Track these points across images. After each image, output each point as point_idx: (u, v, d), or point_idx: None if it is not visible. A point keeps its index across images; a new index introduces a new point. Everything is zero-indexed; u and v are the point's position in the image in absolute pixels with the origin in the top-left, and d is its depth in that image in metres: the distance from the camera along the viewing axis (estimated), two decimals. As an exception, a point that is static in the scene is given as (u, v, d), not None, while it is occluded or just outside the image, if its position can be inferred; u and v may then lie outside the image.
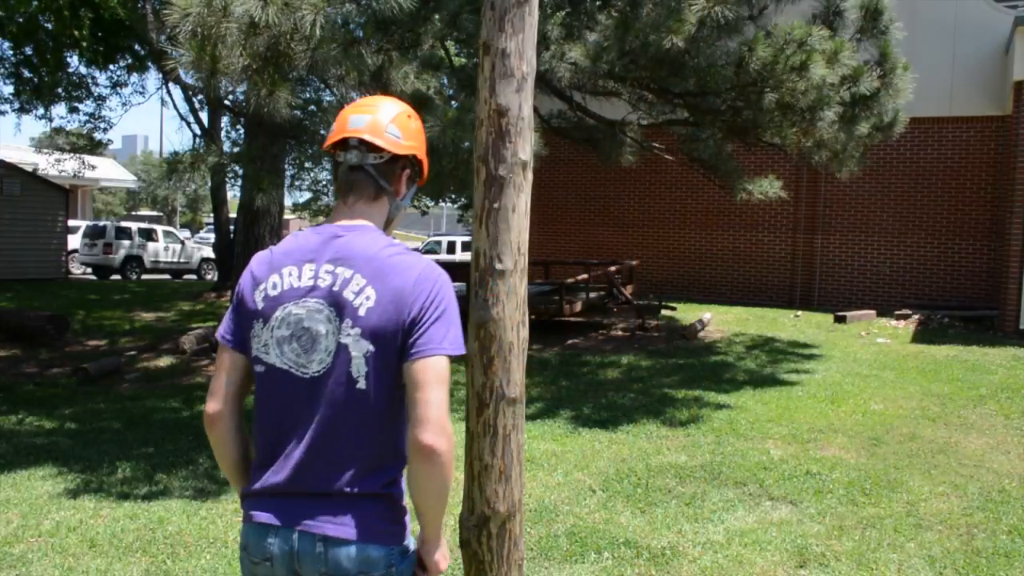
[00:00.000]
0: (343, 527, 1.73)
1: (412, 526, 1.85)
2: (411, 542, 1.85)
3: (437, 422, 1.69)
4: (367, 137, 1.89)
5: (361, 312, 1.74)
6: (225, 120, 17.56)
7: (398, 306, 1.74)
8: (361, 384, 1.73)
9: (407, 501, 1.86)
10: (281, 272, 1.83)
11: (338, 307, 1.76)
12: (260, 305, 1.82)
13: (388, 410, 1.77)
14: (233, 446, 1.89)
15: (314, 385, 1.76)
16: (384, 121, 1.92)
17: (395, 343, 1.74)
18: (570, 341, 10.02)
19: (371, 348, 1.74)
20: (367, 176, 1.91)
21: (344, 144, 1.92)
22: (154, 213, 46.27)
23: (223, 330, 1.89)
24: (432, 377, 1.72)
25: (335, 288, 1.77)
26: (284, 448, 1.78)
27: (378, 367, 1.74)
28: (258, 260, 1.89)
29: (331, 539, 1.72)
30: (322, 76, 6.96)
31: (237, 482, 1.93)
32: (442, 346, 1.74)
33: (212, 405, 1.85)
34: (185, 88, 14.38)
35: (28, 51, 15.18)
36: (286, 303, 1.80)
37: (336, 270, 1.79)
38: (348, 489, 1.75)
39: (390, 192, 1.95)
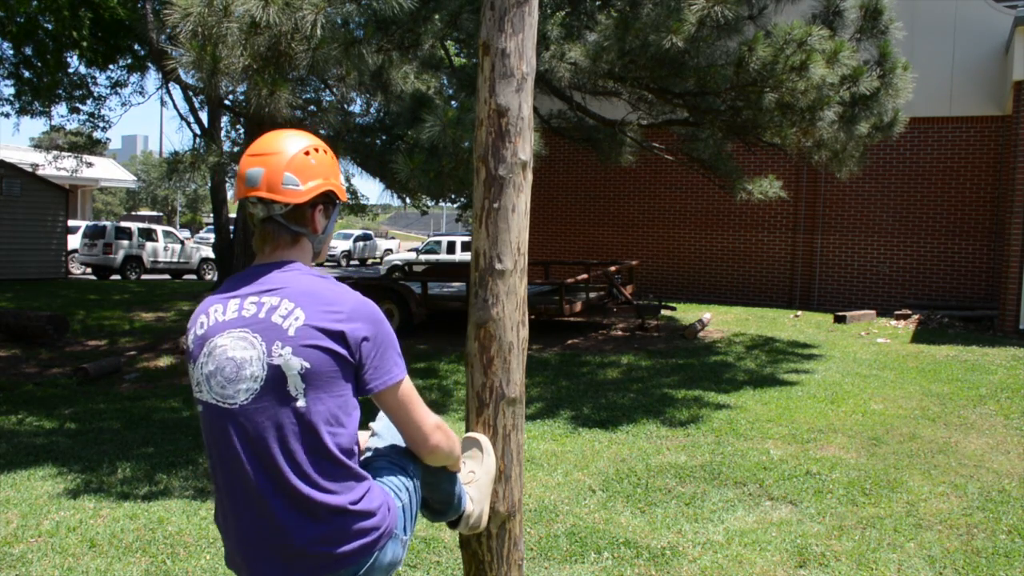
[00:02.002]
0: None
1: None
2: (397, 522, 1.91)
3: (428, 434, 1.92)
4: (264, 195, 1.87)
5: (291, 332, 1.75)
6: (225, 120, 17.54)
7: (332, 327, 1.76)
8: (300, 402, 1.74)
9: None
10: (208, 311, 1.85)
11: (265, 332, 1.77)
12: (192, 348, 1.84)
13: (328, 422, 1.77)
14: None
15: (243, 414, 1.75)
16: (279, 172, 1.88)
17: (335, 361, 1.76)
18: (570, 341, 10.02)
19: (305, 364, 1.74)
20: (279, 226, 1.91)
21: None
22: (154, 213, 46.27)
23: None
24: (404, 401, 1.87)
25: (260, 316, 1.79)
26: (231, 492, 1.80)
27: (316, 383, 1.75)
28: (193, 314, 1.92)
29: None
30: (322, 76, 6.97)
31: None
32: (394, 372, 1.84)
33: None
34: (185, 88, 14.37)
35: (28, 51, 15.18)
36: (212, 337, 1.81)
37: (261, 299, 1.81)
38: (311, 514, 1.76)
39: (307, 233, 1.94)
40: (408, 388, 1.88)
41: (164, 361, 9.17)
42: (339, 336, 1.76)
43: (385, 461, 2.00)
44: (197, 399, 1.83)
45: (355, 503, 1.78)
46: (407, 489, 1.97)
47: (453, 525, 2.31)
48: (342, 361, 1.77)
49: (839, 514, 4.27)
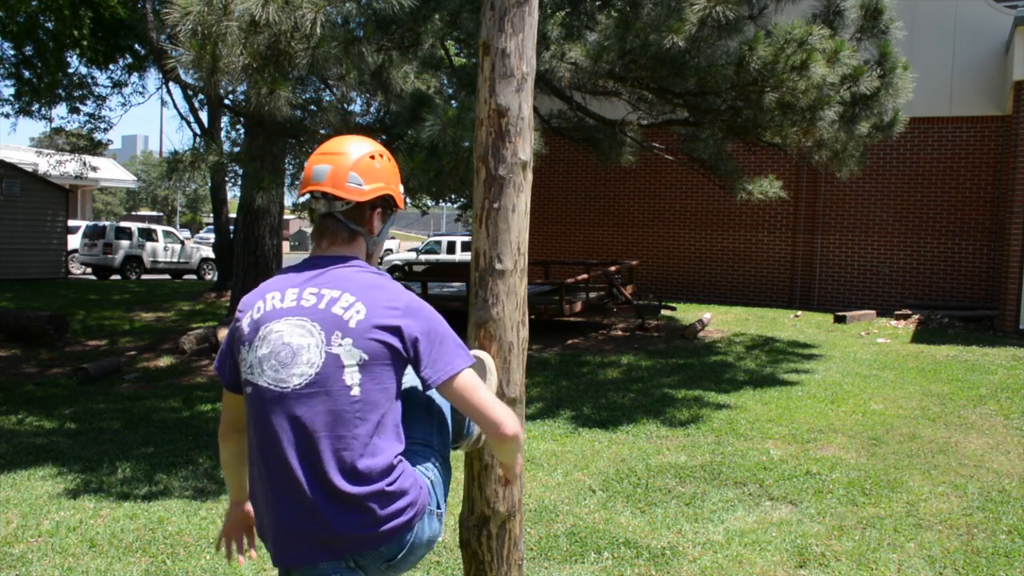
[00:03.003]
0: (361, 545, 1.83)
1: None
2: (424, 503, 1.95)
3: (500, 418, 1.90)
4: (328, 191, 1.96)
5: (352, 324, 1.83)
6: (225, 120, 17.54)
7: (390, 322, 1.85)
8: (355, 391, 1.81)
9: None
10: (264, 297, 1.92)
11: (324, 322, 1.84)
12: (246, 331, 1.90)
13: (381, 415, 1.84)
14: (232, 466, 2.12)
15: (295, 398, 1.81)
16: (345, 170, 1.98)
17: (390, 354, 1.84)
18: (570, 341, 10.02)
19: (364, 356, 1.82)
20: (338, 223, 2.00)
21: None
22: (154, 213, 46.28)
23: (216, 366, 2.03)
24: (469, 388, 1.89)
25: (320, 306, 1.87)
26: (271, 474, 1.85)
27: (370, 373, 1.83)
28: (244, 298, 1.99)
29: (361, 559, 1.84)
30: (322, 75, 6.96)
31: (233, 492, 2.17)
32: (454, 364, 1.89)
33: (220, 430, 2.10)
34: (185, 87, 14.37)
35: (28, 51, 15.17)
36: (268, 322, 1.88)
37: (321, 291, 1.89)
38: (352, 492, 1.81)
39: (363, 232, 2.02)
40: (469, 378, 1.90)
41: (164, 361, 9.17)
42: (396, 331, 1.85)
43: (408, 441, 2.04)
44: (247, 380, 1.89)
45: (391, 484, 1.84)
46: (434, 465, 2.01)
47: (455, 445, 2.37)
48: (396, 355, 1.85)
49: (839, 514, 4.27)
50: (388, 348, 1.84)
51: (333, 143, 2.04)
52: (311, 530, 1.80)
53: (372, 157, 2.02)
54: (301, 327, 1.85)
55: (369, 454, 1.81)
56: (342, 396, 1.80)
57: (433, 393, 2.07)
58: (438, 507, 1.99)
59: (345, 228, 1.99)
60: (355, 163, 1.99)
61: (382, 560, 1.86)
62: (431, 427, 2.08)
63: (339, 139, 2.06)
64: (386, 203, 2.06)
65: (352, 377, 1.81)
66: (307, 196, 2.02)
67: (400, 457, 1.89)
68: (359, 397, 1.81)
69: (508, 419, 1.90)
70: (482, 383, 1.95)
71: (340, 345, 1.82)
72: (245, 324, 1.92)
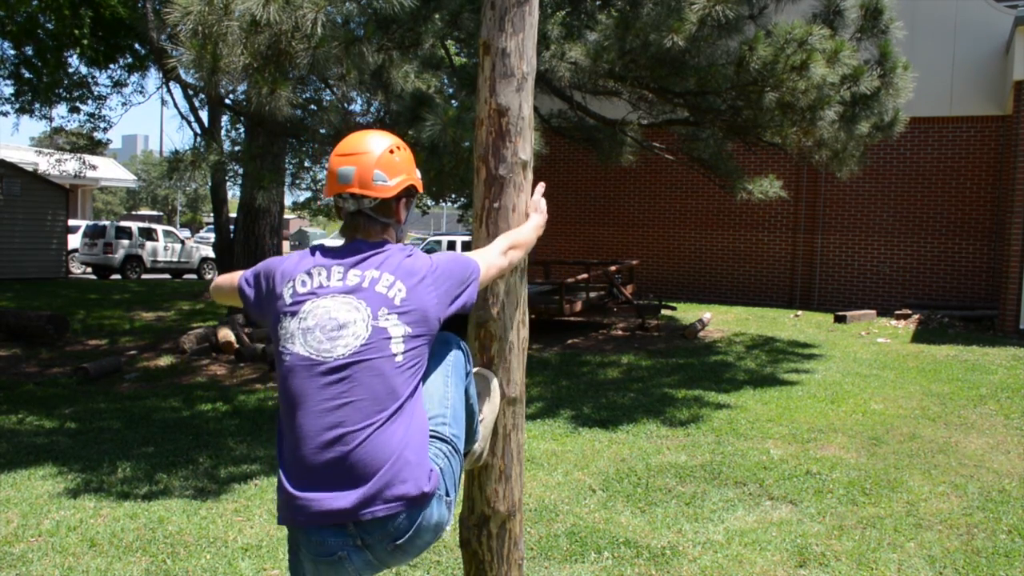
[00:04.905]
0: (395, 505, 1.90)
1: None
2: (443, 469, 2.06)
3: (506, 265, 2.35)
4: (357, 191, 2.08)
5: (396, 302, 1.99)
6: (225, 119, 17.53)
7: (425, 296, 2.02)
8: (399, 359, 1.95)
9: None
10: (311, 272, 2.03)
11: (370, 299, 1.98)
12: (288, 300, 2.01)
13: (413, 388, 1.97)
14: (223, 293, 2.33)
15: (340, 367, 1.93)
16: (369, 170, 2.09)
17: (427, 327, 2.02)
18: (570, 341, 10.02)
19: (408, 330, 1.98)
20: (369, 218, 2.12)
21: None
22: (154, 213, 46.28)
23: (244, 277, 2.19)
24: (492, 272, 2.30)
25: (364, 286, 2.00)
26: (304, 436, 1.92)
27: (412, 345, 1.98)
28: (288, 258, 2.11)
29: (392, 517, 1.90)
30: (323, 75, 6.96)
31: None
32: (468, 292, 2.14)
33: (215, 281, 2.37)
34: (185, 87, 14.36)
35: (28, 51, 15.16)
36: (315, 298, 1.98)
37: (364, 273, 2.02)
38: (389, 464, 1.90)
39: (392, 223, 2.15)
40: (485, 270, 2.22)
41: (164, 361, 9.17)
42: (432, 304, 2.03)
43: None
44: (285, 349, 1.98)
45: (409, 459, 1.91)
46: (445, 454, 2.07)
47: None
48: (431, 328, 2.03)
49: (839, 514, 4.27)
50: (425, 322, 2.00)
51: (352, 142, 2.13)
52: (326, 494, 1.85)
53: (391, 151, 2.12)
54: (347, 304, 1.97)
55: (393, 428, 1.90)
56: (386, 365, 1.93)
57: (450, 384, 2.16)
58: (447, 493, 2.03)
59: (376, 222, 2.12)
60: (378, 161, 2.09)
61: (389, 540, 1.90)
62: (447, 417, 2.14)
63: (357, 137, 2.15)
64: (409, 192, 2.20)
65: (397, 347, 1.95)
66: (329, 199, 2.16)
67: (420, 435, 1.96)
68: (401, 364, 1.94)
69: (505, 257, 2.33)
70: (494, 261, 2.27)
71: (387, 319, 1.96)
72: (287, 294, 2.02)
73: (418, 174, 2.24)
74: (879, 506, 4.38)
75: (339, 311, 1.96)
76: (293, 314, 1.98)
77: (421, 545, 1.97)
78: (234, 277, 2.25)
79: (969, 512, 4.30)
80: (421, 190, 2.25)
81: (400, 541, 1.91)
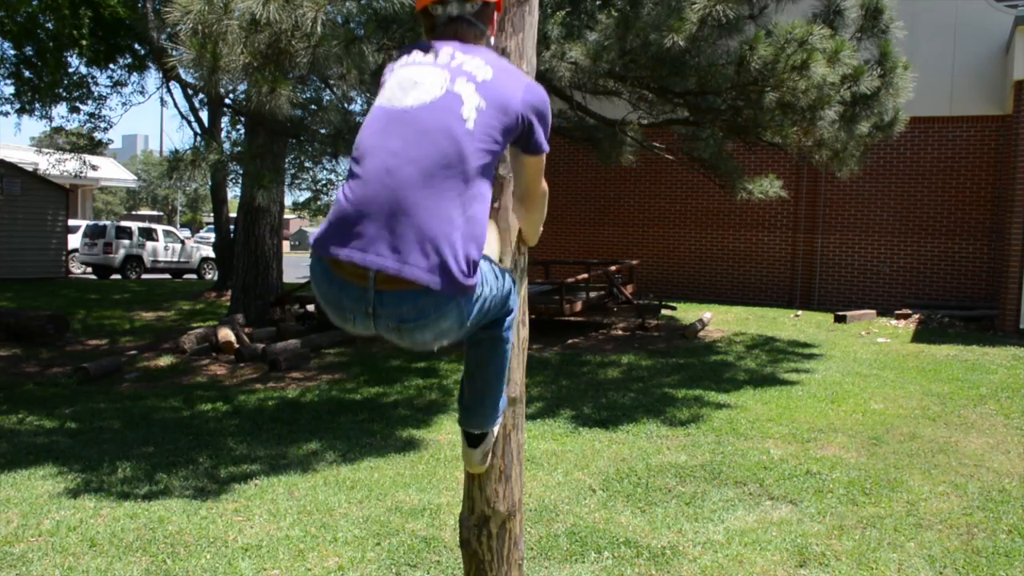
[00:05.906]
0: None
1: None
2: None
3: (545, 187, 2.36)
4: None
5: (479, 78, 2.02)
6: (225, 119, 17.53)
7: (510, 90, 2.03)
8: (469, 125, 1.97)
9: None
10: (410, 53, 2.15)
11: (453, 71, 2.03)
12: (386, 77, 2.14)
13: (481, 166, 1.98)
14: None
15: (411, 113, 1.98)
16: None
17: (505, 119, 2.02)
18: (570, 341, 10.02)
19: (483, 104, 1.99)
20: (468, 24, 2.19)
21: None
22: (154, 212, 46.29)
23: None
24: (539, 169, 2.27)
25: (453, 64, 2.05)
26: (375, 176, 1.95)
27: (485, 122, 1.98)
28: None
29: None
30: (323, 74, 6.96)
31: None
32: (545, 146, 2.18)
33: None
34: (185, 87, 14.36)
35: (28, 51, 15.15)
36: (402, 68, 2.10)
37: (455, 54, 2.08)
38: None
39: (486, 35, 2.23)
40: (543, 162, 2.24)
41: (164, 361, 9.17)
42: (513, 99, 2.03)
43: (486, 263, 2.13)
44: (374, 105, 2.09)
45: (457, 244, 1.90)
46: (493, 285, 2.09)
47: (474, 443, 2.42)
48: (509, 118, 2.02)
49: (839, 513, 4.27)
50: (502, 110, 2.01)
51: None
52: (369, 235, 1.88)
53: None
54: (430, 70, 2.04)
55: (459, 185, 1.93)
56: (456, 125, 1.94)
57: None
58: (471, 315, 1.99)
59: (474, 28, 2.18)
60: None
61: (395, 319, 1.93)
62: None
63: None
64: (497, 7, 2.28)
65: (469, 112, 1.96)
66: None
67: (477, 238, 1.96)
68: (471, 131, 1.95)
69: (544, 190, 2.34)
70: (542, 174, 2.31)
71: (464, 88, 1.99)
72: (386, 69, 2.17)
73: None
74: (879, 506, 4.38)
75: (419, 74, 2.04)
76: (383, 83, 2.12)
77: (420, 340, 2.01)
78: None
79: (969, 512, 4.29)
80: (501, 11, 2.35)
81: (405, 326, 1.96)
